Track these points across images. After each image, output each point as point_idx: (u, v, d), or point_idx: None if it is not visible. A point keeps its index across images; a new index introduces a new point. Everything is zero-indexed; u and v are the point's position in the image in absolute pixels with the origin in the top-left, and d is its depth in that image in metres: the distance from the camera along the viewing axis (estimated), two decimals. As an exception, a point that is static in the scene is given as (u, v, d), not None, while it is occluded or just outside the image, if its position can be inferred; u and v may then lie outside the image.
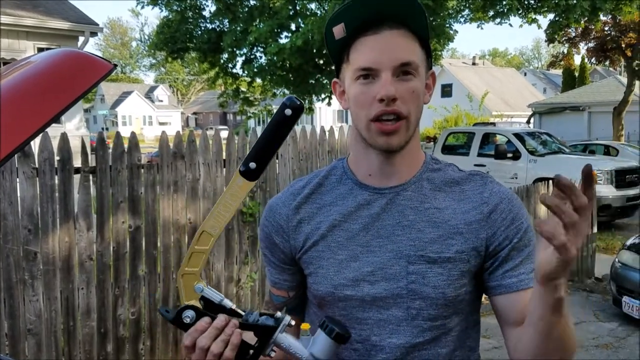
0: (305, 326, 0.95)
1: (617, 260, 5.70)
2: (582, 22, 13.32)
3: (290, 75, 13.13)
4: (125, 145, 3.67)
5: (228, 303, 0.93)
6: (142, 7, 13.07)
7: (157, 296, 3.83)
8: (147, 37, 45.72)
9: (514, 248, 1.05)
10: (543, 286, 0.88)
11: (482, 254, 1.07)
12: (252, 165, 0.93)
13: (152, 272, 3.79)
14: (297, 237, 1.13)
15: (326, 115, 39.34)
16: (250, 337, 0.93)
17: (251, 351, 0.93)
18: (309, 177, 1.19)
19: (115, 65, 1.21)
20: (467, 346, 1.13)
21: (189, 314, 0.92)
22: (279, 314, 0.94)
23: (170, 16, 13.77)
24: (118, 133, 3.73)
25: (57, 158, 3.43)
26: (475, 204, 1.08)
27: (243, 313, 0.94)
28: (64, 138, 3.46)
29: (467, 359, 1.12)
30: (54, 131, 3.43)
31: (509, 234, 1.06)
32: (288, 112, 0.92)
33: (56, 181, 3.44)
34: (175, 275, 3.88)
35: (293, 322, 0.94)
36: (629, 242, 5.93)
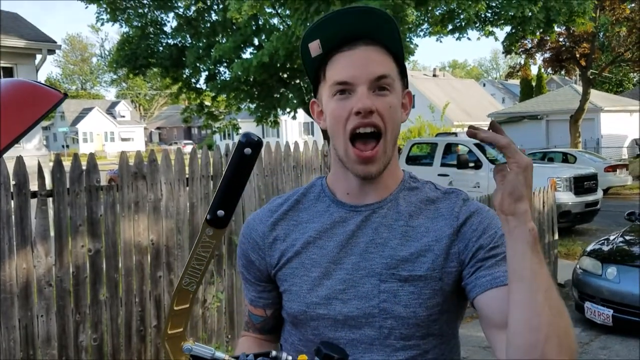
0: (302, 358, 0.93)
1: (578, 266, 5.82)
2: (538, 33, 13.70)
3: (255, 90, 13.10)
4: (84, 166, 3.59)
5: (220, 355, 0.91)
6: (102, 24, 12.89)
7: (120, 321, 3.74)
8: (107, 53, 45.03)
9: (489, 255, 1.03)
10: (512, 215, 0.89)
11: (454, 271, 1.05)
12: (220, 213, 0.87)
13: (113, 296, 3.70)
14: (273, 254, 1.12)
15: (292, 127, 39.38)
16: None
17: None
18: (288, 195, 1.19)
19: (66, 95, 1.18)
20: None
21: None
22: (273, 352, 0.92)
23: (131, 32, 13.61)
24: (76, 155, 3.64)
25: (12, 182, 3.33)
26: (447, 220, 1.07)
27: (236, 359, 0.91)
28: (19, 161, 3.36)
29: None
30: (10, 152, 3.33)
31: (482, 242, 1.04)
32: (248, 151, 0.86)
33: (12, 206, 3.34)
34: (137, 299, 3.79)
35: (290, 358, 0.92)
36: (589, 248, 6.08)
